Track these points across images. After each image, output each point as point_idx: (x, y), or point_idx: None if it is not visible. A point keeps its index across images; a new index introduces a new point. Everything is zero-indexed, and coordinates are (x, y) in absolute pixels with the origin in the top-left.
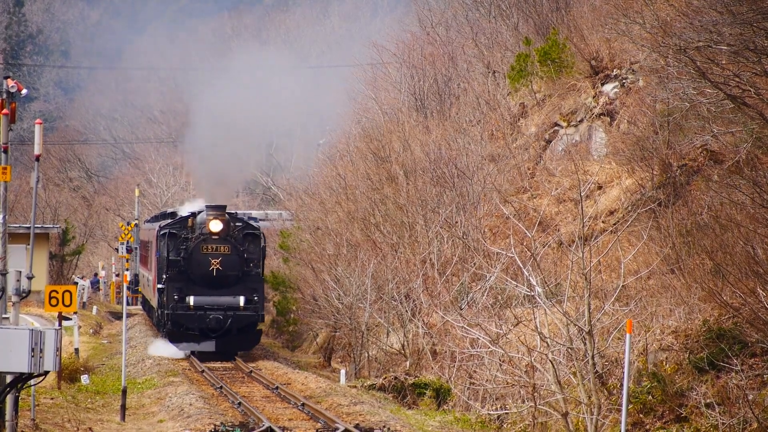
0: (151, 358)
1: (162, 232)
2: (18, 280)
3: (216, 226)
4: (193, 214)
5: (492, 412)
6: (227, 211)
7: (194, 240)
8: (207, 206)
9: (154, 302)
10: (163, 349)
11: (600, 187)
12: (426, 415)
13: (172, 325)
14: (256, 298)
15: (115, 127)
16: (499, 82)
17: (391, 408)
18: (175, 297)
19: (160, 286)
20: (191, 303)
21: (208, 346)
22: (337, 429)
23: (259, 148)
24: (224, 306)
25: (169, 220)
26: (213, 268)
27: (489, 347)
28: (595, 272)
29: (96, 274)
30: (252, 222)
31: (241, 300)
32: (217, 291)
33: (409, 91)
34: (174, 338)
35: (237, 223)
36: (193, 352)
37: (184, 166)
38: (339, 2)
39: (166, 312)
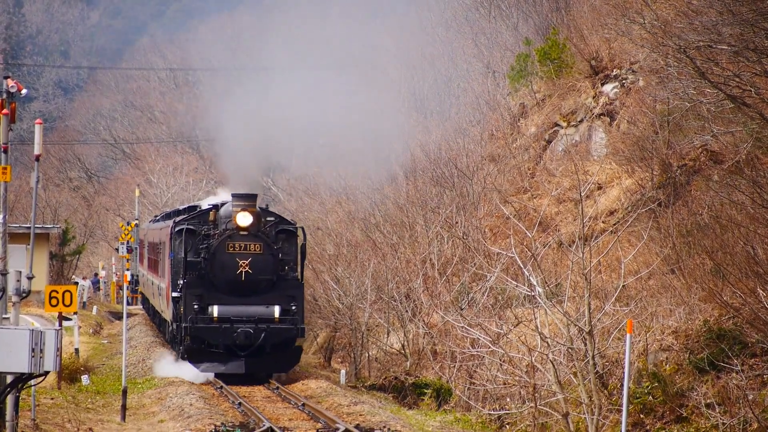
0: (151, 357)
1: (177, 229)
2: (18, 280)
3: (245, 219)
4: (215, 207)
5: (492, 413)
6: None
7: (217, 237)
8: (234, 195)
9: (167, 314)
10: (180, 370)
11: (600, 188)
12: (426, 416)
13: (192, 341)
14: (294, 307)
15: (115, 127)
16: (499, 82)
17: (392, 408)
18: (195, 307)
19: (175, 294)
20: (215, 314)
21: (236, 367)
22: (337, 429)
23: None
24: (255, 317)
25: (185, 215)
26: (241, 271)
27: (489, 347)
28: (595, 272)
29: (96, 274)
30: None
31: (276, 310)
32: (247, 299)
33: (409, 91)
34: (194, 358)
35: (269, 218)
36: (217, 375)
37: (212, 157)
38: (339, 2)
39: (183, 326)
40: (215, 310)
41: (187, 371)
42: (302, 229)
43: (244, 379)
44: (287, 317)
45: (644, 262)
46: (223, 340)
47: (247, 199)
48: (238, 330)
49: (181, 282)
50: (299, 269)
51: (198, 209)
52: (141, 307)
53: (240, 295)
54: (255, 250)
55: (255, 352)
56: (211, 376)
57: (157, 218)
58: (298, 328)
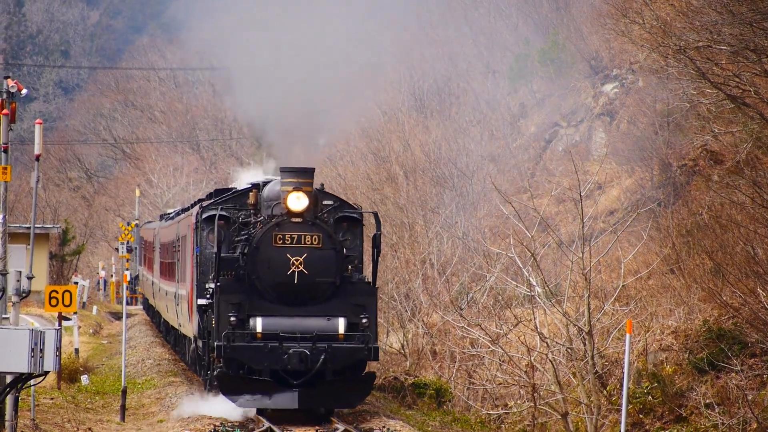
0: (151, 358)
1: (207, 215)
2: (18, 280)
3: (298, 202)
4: (256, 186)
5: (492, 412)
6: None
7: (261, 226)
8: (282, 170)
9: (188, 329)
10: (209, 405)
11: (600, 187)
12: (426, 415)
13: (226, 365)
14: (364, 320)
15: (115, 127)
16: (499, 82)
17: (391, 408)
18: (231, 319)
19: (202, 301)
20: (258, 329)
21: (287, 400)
22: (336, 429)
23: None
24: (313, 334)
25: (215, 199)
26: (293, 272)
27: (489, 347)
28: (594, 272)
29: (98, 274)
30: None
31: (341, 324)
32: (301, 309)
33: (409, 91)
34: (229, 388)
35: (326, 201)
36: (260, 411)
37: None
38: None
39: (216, 344)
40: (259, 324)
41: (220, 406)
42: (375, 214)
43: (296, 415)
44: (355, 333)
45: (644, 262)
46: (270, 364)
47: (300, 175)
48: (290, 351)
49: (212, 286)
50: (371, 269)
51: (232, 191)
52: (141, 307)
53: (292, 303)
54: (312, 243)
55: (312, 381)
56: (252, 412)
57: (170, 214)
58: (369, 348)
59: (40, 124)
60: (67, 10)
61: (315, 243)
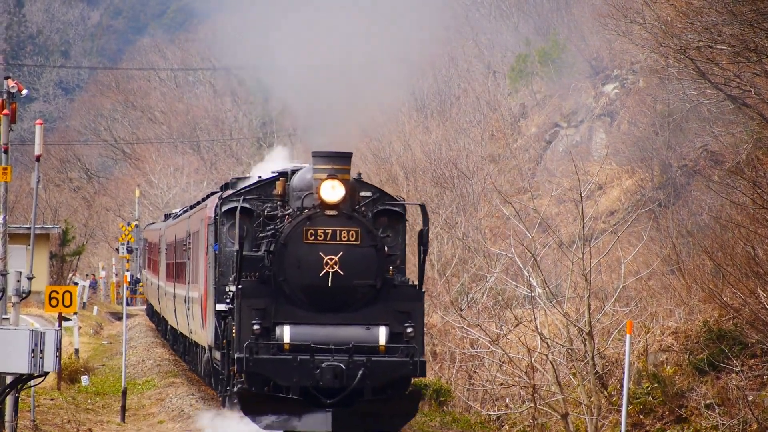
0: (151, 358)
1: (227, 208)
2: (18, 281)
3: (333, 191)
4: (284, 174)
5: (492, 413)
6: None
7: (290, 219)
8: (315, 154)
9: (202, 337)
10: (227, 427)
11: (600, 188)
12: (426, 416)
13: (248, 380)
14: (409, 329)
15: (115, 128)
16: (500, 82)
17: None
18: (255, 328)
19: (221, 307)
20: (286, 339)
21: (319, 421)
22: None
23: None
24: (349, 345)
25: (235, 190)
26: (327, 273)
27: (489, 348)
28: (595, 273)
29: (93, 275)
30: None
31: (382, 333)
32: (336, 316)
33: (409, 91)
34: (251, 407)
35: (364, 192)
36: None
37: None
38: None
39: (237, 356)
40: (286, 333)
41: (241, 428)
42: (422, 207)
43: None
44: (399, 345)
45: (644, 263)
46: (300, 380)
47: (336, 161)
48: (323, 365)
49: (233, 289)
50: (420, 271)
51: (256, 180)
52: (143, 307)
53: (325, 309)
54: (349, 240)
55: (348, 399)
56: None
57: (177, 213)
58: (415, 363)
59: (41, 124)
60: (68, 11)
61: (352, 239)
